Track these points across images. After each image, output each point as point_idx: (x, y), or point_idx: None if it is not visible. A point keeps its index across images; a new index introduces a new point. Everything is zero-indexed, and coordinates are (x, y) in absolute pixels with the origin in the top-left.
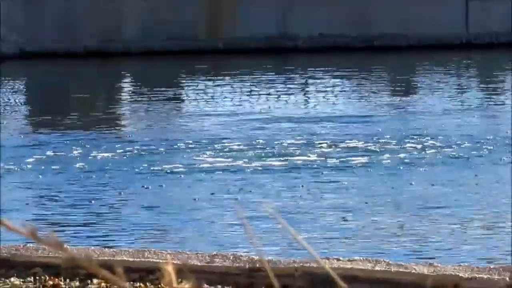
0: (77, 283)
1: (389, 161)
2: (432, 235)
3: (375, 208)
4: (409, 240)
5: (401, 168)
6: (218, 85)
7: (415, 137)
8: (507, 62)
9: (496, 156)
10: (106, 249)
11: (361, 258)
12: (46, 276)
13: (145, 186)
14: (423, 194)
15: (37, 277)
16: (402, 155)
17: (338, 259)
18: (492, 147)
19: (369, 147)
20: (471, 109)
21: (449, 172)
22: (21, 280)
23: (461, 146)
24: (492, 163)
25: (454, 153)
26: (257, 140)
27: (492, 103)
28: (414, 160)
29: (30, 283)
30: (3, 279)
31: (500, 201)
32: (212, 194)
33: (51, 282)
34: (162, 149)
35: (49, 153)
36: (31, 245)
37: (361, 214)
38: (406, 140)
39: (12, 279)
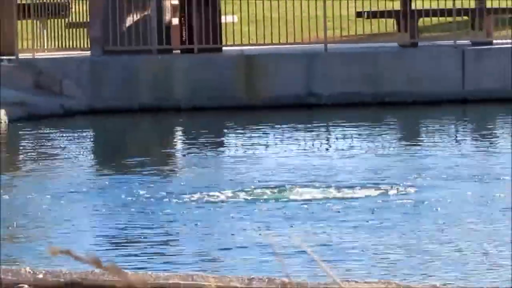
0: None
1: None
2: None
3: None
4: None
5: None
6: (254, 136)
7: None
8: (498, 115)
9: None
10: (161, 273)
11: (376, 280)
12: None
13: (196, 223)
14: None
15: None
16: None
17: (356, 281)
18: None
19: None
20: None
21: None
22: None
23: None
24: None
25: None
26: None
27: (484, 149)
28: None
29: None
30: None
31: None
32: (244, 229)
33: None
34: (209, 187)
35: (109, 193)
36: (97, 271)
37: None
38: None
39: None
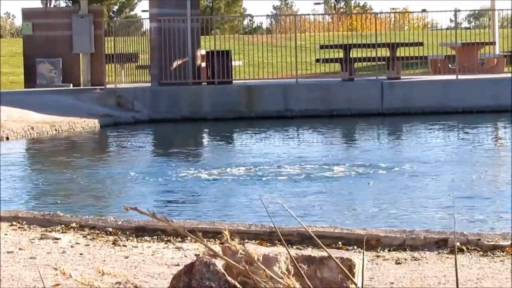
0: (179, 239)
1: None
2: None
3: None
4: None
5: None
6: (252, 135)
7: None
8: (404, 124)
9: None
10: (194, 221)
11: (328, 225)
12: (163, 236)
13: (218, 190)
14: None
15: (158, 236)
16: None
17: (315, 226)
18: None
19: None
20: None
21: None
22: (150, 237)
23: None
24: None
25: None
26: (277, 162)
27: (389, 142)
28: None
29: (155, 239)
30: (140, 237)
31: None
32: (245, 195)
33: (165, 239)
34: (223, 166)
35: (157, 169)
36: (154, 220)
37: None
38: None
39: (145, 237)
